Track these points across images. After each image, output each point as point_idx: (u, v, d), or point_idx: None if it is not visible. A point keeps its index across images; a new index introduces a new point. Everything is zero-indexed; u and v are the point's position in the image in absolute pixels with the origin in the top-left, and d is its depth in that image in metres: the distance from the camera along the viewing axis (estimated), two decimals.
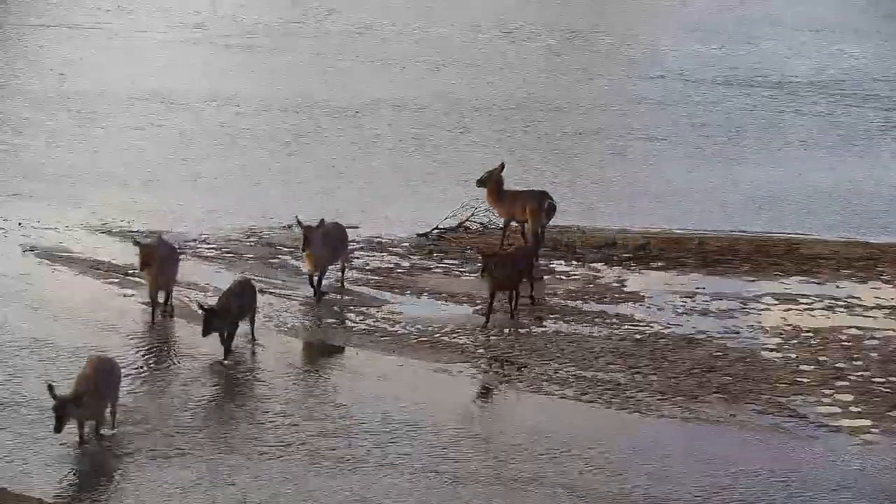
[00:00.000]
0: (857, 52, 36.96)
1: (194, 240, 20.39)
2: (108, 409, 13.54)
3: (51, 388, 12.98)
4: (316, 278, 17.57)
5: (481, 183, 19.70)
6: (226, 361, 15.48)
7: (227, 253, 19.86)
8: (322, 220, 17.41)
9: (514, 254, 17.81)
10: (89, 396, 13.16)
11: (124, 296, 17.32)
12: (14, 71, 31.54)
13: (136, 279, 18.24)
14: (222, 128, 27.51)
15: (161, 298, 16.90)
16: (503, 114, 29.37)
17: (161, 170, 24.40)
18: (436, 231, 20.54)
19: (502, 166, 19.85)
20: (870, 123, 29.79)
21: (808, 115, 30.32)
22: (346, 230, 18.26)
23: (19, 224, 20.63)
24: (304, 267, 17.79)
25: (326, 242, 17.47)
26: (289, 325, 17.17)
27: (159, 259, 16.64)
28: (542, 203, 19.74)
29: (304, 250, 17.30)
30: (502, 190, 19.78)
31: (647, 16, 42.45)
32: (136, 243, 16.73)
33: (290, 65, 33.53)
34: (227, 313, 15.49)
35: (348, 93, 30.47)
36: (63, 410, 12.98)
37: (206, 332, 15.24)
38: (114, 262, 19.15)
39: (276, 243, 20.56)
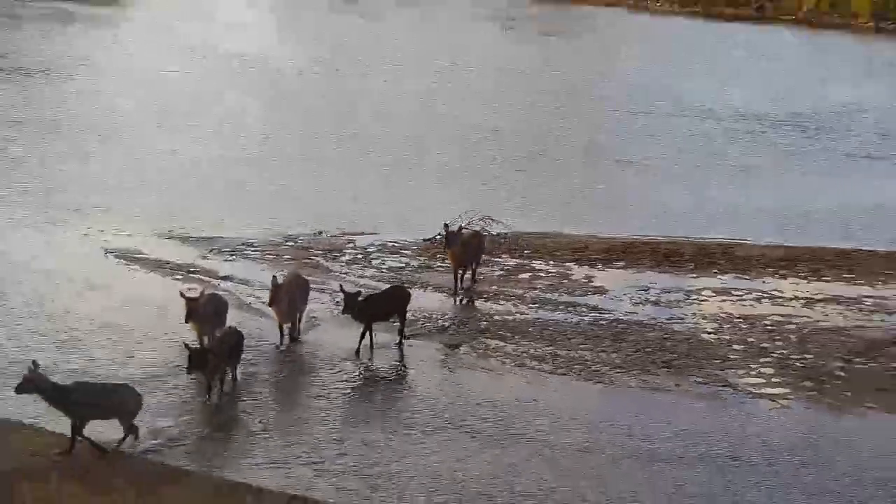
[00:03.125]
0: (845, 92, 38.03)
1: (242, 244, 21.05)
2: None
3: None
4: (287, 328, 16.53)
5: (449, 243, 18.48)
6: (212, 399, 14.57)
7: (269, 255, 20.53)
8: (280, 281, 16.31)
9: (375, 296, 16.88)
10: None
11: (188, 289, 16.98)
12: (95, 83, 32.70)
13: (199, 277, 18.92)
14: (272, 146, 28.73)
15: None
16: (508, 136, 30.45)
17: (217, 181, 25.25)
18: (439, 236, 20.96)
19: (460, 229, 19.20)
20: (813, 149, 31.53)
21: (762, 143, 32.17)
22: (308, 280, 17.10)
23: (100, 231, 21.39)
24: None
25: (291, 297, 16.33)
26: (318, 318, 17.71)
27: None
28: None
29: (270, 305, 16.22)
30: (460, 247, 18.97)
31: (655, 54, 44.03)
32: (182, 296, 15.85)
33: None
34: (213, 357, 14.46)
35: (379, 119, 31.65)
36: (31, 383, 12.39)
37: (190, 370, 14.24)
38: (178, 262, 19.82)
39: (308, 247, 21.33)
